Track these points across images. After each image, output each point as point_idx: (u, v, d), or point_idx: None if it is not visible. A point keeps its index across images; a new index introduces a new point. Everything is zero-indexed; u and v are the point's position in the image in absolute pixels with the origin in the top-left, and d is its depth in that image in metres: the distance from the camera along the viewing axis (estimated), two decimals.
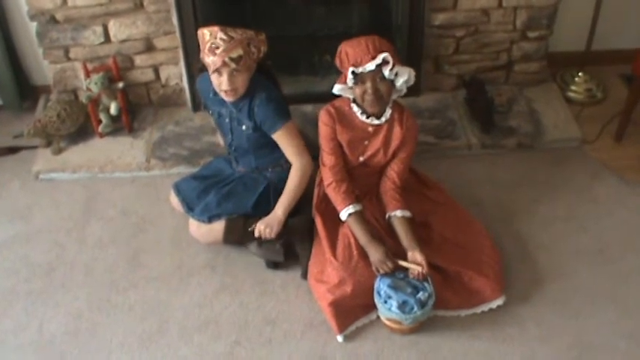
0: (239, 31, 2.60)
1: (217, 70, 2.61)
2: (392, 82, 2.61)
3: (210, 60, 2.59)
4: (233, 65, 2.59)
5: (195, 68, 2.93)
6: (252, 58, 2.66)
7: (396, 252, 2.65)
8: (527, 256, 2.91)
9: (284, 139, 2.76)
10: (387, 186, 2.78)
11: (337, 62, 2.63)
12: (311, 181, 2.89)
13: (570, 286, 2.79)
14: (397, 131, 2.72)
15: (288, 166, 2.90)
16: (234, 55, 2.57)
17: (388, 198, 2.76)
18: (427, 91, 3.65)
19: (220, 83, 2.65)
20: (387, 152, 2.75)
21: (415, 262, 2.59)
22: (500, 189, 3.21)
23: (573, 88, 3.74)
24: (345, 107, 2.74)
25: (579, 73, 3.75)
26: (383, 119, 2.71)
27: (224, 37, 2.56)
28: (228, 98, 2.71)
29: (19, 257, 2.99)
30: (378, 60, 2.51)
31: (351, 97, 2.69)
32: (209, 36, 2.58)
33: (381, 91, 2.59)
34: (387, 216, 2.76)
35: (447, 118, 3.53)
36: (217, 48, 2.56)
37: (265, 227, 2.75)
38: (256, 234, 2.76)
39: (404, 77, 2.58)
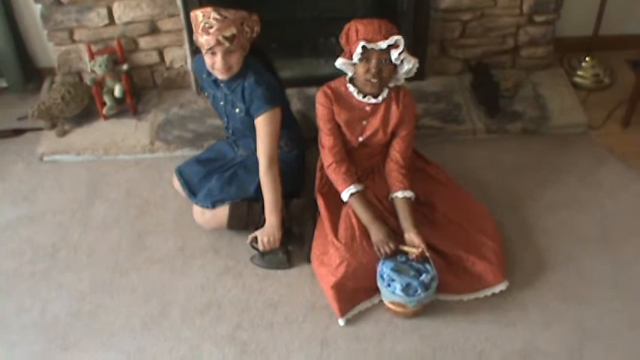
0: (232, 11, 2.59)
1: (211, 50, 2.60)
2: (395, 68, 2.61)
3: (203, 39, 2.58)
4: (227, 44, 2.57)
5: (192, 51, 2.92)
6: (246, 37, 2.65)
7: (399, 232, 2.66)
8: (531, 241, 2.90)
9: (264, 127, 2.72)
10: (391, 167, 2.78)
11: (342, 39, 2.63)
12: (313, 164, 2.89)
13: (573, 271, 2.79)
14: (394, 110, 2.72)
15: (287, 148, 2.91)
16: (228, 33, 2.56)
17: (392, 179, 2.76)
18: (432, 75, 3.63)
19: (214, 63, 2.64)
20: (387, 131, 2.75)
21: (412, 244, 2.60)
22: (505, 174, 3.20)
23: (580, 73, 3.70)
24: (341, 87, 2.74)
25: (586, 58, 3.72)
26: (380, 98, 2.71)
27: (217, 16, 2.55)
28: (221, 76, 2.70)
29: (23, 239, 3.00)
30: (391, 40, 2.53)
31: (349, 74, 2.69)
32: (202, 17, 2.57)
33: (383, 73, 2.59)
34: (389, 197, 2.76)
35: (453, 102, 3.51)
36: (211, 27, 2.55)
37: (268, 238, 2.75)
38: (261, 248, 2.77)
39: (408, 65, 2.60)
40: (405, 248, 2.61)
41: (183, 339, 2.61)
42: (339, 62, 2.66)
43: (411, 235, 2.62)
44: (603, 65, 3.73)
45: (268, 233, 2.75)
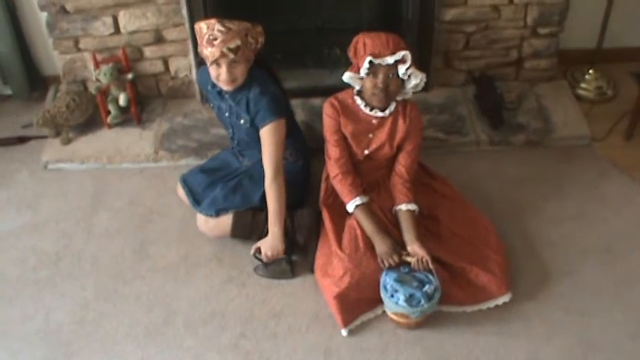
0: (236, 22, 2.60)
1: (216, 62, 2.61)
2: (402, 82, 2.62)
3: (208, 51, 2.59)
4: (231, 56, 2.58)
5: (197, 61, 2.93)
6: (250, 48, 2.66)
7: (402, 245, 2.66)
8: (534, 253, 2.90)
9: (269, 137, 2.71)
10: (396, 180, 2.78)
11: (351, 51, 2.64)
12: (318, 174, 2.89)
13: (577, 284, 2.79)
14: (401, 124, 2.73)
15: (292, 159, 2.91)
16: (232, 45, 2.57)
17: (396, 192, 2.77)
18: (437, 86, 3.63)
19: (219, 74, 2.65)
20: (393, 145, 2.76)
21: (416, 256, 2.60)
22: (508, 186, 3.20)
23: (583, 85, 3.71)
24: (348, 99, 2.75)
25: (590, 71, 3.73)
26: (387, 112, 2.72)
27: (221, 28, 2.56)
28: (226, 88, 2.71)
29: (27, 246, 3.01)
30: (398, 56, 2.53)
31: (357, 87, 2.70)
32: (206, 29, 2.58)
33: (390, 88, 2.61)
34: (393, 210, 2.76)
35: (456, 113, 3.52)
36: (215, 39, 2.56)
37: (271, 250, 2.74)
38: (264, 259, 2.77)
39: (416, 80, 2.61)
40: (408, 258, 2.62)
41: (187, 348, 2.61)
42: (347, 76, 2.67)
43: (414, 248, 2.62)
44: (606, 78, 3.73)
45: (272, 245, 2.75)
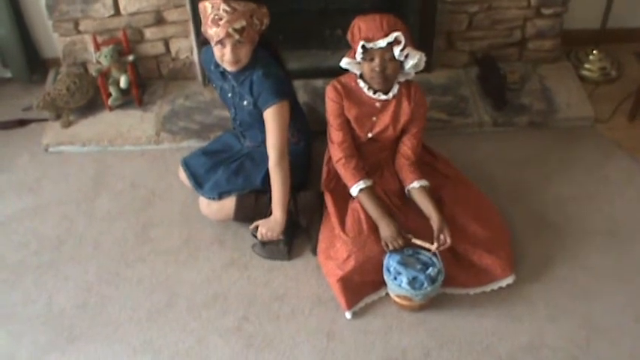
0: (241, 3, 2.57)
1: (220, 42, 2.59)
2: (401, 63, 2.59)
3: (213, 31, 2.56)
4: (236, 36, 2.56)
5: (198, 42, 2.91)
6: (255, 29, 2.63)
7: (407, 228, 2.65)
8: (538, 235, 2.89)
9: (272, 120, 2.68)
10: (402, 162, 2.77)
11: (349, 36, 2.61)
12: (320, 156, 2.87)
13: (580, 266, 2.78)
14: (405, 107, 2.71)
15: (295, 140, 2.89)
16: (238, 26, 2.54)
17: (404, 174, 2.76)
18: (439, 67, 3.61)
19: (223, 54, 2.63)
20: (397, 127, 2.74)
21: (441, 229, 2.58)
22: (512, 167, 3.19)
23: (587, 66, 3.69)
24: (351, 83, 2.72)
25: (594, 52, 3.70)
26: (390, 95, 2.69)
27: (227, 8, 2.53)
28: (230, 68, 2.68)
29: (28, 230, 3.00)
30: (390, 38, 2.50)
31: (357, 72, 2.67)
32: (211, 8, 2.56)
33: (388, 70, 2.58)
34: (406, 191, 2.76)
35: (459, 95, 3.50)
36: (220, 19, 2.53)
37: (267, 231, 2.74)
38: (259, 237, 2.76)
39: (413, 60, 2.57)
40: (419, 242, 2.61)
41: (189, 331, 2.61)
42: (345, 62, 2.64)
43: (437, 220, 2.59)
44: (610, 58, 3.71)
45: (271, 226, 2.74)
